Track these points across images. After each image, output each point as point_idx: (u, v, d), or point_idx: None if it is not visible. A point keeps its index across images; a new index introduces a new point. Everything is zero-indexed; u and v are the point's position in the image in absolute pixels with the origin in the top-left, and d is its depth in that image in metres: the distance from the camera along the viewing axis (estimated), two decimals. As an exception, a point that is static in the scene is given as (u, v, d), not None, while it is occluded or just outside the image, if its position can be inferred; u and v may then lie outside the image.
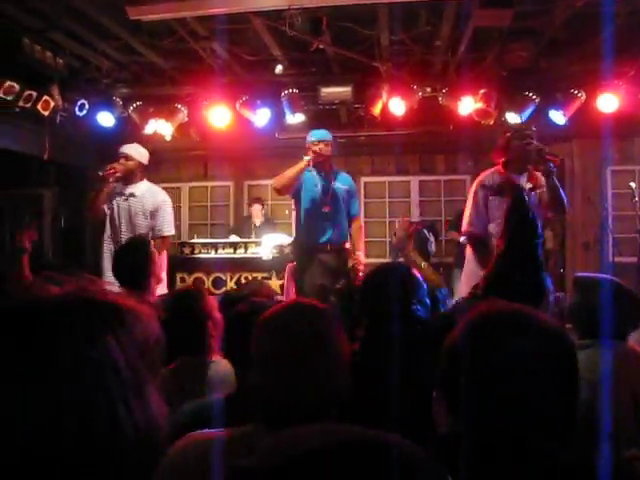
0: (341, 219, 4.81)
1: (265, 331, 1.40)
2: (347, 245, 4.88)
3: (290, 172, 4.68)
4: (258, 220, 7.64)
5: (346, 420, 1.49)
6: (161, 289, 4.15)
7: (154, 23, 4.78)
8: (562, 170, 7.61)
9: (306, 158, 4.61)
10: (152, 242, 3.92)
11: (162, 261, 4.08)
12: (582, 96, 5.73)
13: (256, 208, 7.69)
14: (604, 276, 2.60)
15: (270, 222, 7.69)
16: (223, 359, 2.30)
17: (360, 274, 4.53)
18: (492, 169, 4.12)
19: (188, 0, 4.33)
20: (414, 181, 8.45)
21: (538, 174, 4.04)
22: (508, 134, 4.07)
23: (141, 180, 4.68)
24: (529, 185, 4.03)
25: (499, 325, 1.03)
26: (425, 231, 6.79)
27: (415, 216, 8.13)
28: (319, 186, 4.75)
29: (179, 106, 6.20)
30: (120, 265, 3.30)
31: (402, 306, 2.10)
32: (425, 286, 2.24)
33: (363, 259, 4.82)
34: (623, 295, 2.39)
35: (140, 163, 4.65)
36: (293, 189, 4.77)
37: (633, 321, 2.45)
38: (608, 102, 5.68)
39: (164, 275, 4.23)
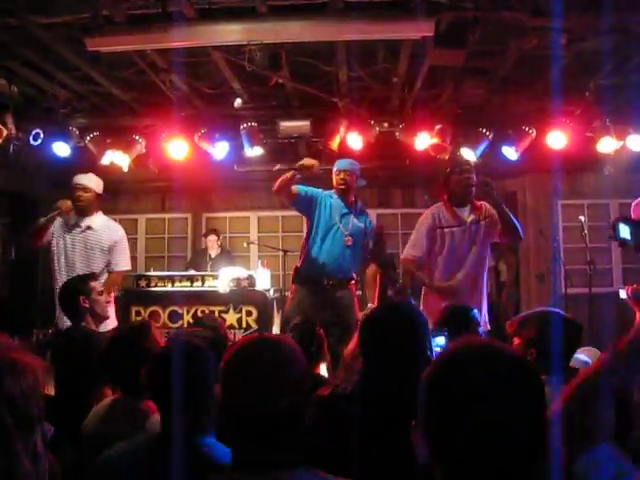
0: (353, 254, 4.56)
1: (231, 361, 1.45)
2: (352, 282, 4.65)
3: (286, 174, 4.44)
4: (213, 252, 7.59)
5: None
6: (112, 322, 4.08)
7: (113, 54, 4.77)
8: (515, 204, 7.83)
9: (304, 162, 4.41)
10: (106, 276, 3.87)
11: (109, 298, 3.96)
12: (533, 133, 5.93)
13: (211, 239, 7.65)
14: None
15: (226, 254, 7.65)
16: None
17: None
18: (439, 203, 4.31)
19: (147, 33, 4.33)
20: (372, 214, 8.48)
21: (482, 205, 4.18)
22: (447, 169, 4.27)
23: (97, 212, 4.62)
24: (472, 217, 4.16)
25: (469, 357, 1.06)
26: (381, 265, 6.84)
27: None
28: (338, 215, 4.57)
29: (137, 137, 6.16)
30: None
31: (411, 351, 1.90)
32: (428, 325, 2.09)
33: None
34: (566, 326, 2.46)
35: (96, 194, 4.59)
36: (295, 196, 4.50)
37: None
38: (557, 139, 5.89)
39: (112, 310, 4.13)
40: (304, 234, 4.81)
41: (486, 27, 4.21)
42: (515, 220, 4.11)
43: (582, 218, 6.63)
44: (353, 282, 4.67)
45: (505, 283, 8.16)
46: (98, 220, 4.59)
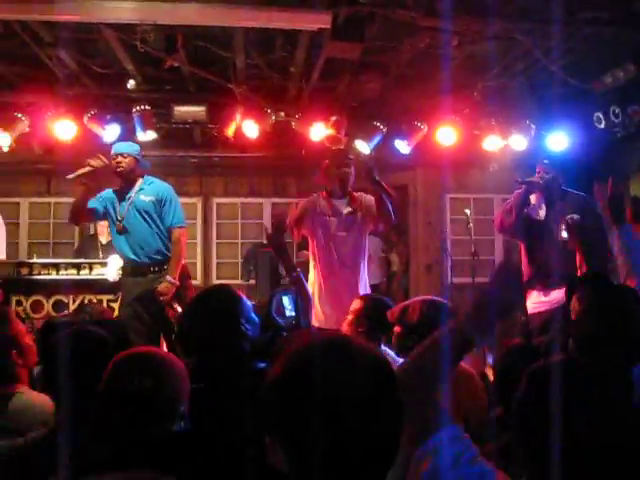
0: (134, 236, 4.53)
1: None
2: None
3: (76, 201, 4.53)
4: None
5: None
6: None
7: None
8: (406, 196, 8.10)
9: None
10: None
11: None
12: (424, 128, 6.14)
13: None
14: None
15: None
16: (33, 391, 2.16)
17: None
18: (317, 193, 4.39)
19: (29, 3, 4.06)
20: (267, 203, 8.55)
21: (359, 196, 4.24)
22: (326, 161, 4.33)
23: None
24: (349, 209, 4.23)
25: (315, 358, 0.98)
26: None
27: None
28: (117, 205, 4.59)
29: (19, 115, 5.77)
30: None
31: (229, 331, 2.07)
32: (250, 304, 2.22)
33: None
34: None
35: None
36: (89, 216, 4.62)
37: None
38: (446, 135, 6.14)
39: None
40: None
41: (382, 23, 4.31)
42: (390, 204, 4.12)
43: (468, 211, 6.96)
44: (158, 267, 4.53)
45: (396, 273, 8.43)
46: None
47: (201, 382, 1.87)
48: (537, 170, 4.32)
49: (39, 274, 5.79)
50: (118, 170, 4.50)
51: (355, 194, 4.26)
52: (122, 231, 4.51)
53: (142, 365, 1.59)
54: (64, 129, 5.77)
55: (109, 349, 1.89)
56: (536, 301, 4.19)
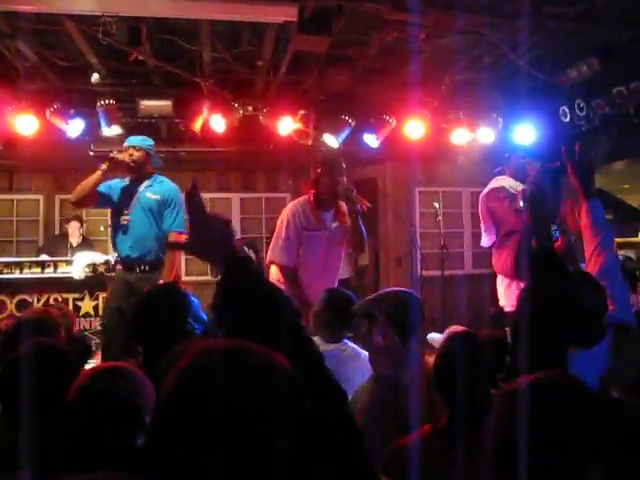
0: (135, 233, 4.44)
1: None
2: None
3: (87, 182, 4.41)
4: (75, 240, 7.11)
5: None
6: None
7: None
8: (375, 190, 8.11)
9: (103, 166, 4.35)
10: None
11: None
12: (393, 122, 6.15)
13: (73, 226, 7.15)
14: None
15: (88, 243, 7.18)
16: None
17: None
18: (302, 199, 4.21)
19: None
20: (235, 198, 8.49)
21: (345, 211, 4.17)
22: (319, 169, 4.19)
23: None
24: (335, 223, 4.17)
25: (207, 372, 0.87)
26: (245, 248, 6.83)
27: (236, 233, 8.15)
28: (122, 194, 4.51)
29: (-22, 110, 5.61)
30: None
31: (176, 329, 2.09)
32: (196, 302, 2.25)
33: None
34: None
35: None
36: (94, 199, 4.46)
37: None
38: (415, 129, 6.16)
39: None
40: None
41: (349, 16, 4.29)
42: (364, 234, 4.14)
43: (436, 205, 7.01)
44: (149, 266, 4.44)
45: (367, 267, 8.45)
46: None
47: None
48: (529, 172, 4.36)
49: (2, 273, 5.66)
50: (127, 163, 4.41)
51: (342, 208, 4.16)
52: (124, 225, 4.40)
53: (114, 375, 1.58)
54: (25, 124, 5.62)
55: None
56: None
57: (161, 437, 0.85)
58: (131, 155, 4.43)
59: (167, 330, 2.06)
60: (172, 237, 4.39)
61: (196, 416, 0.82)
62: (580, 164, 2.45)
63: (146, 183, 4.51)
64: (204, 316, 2.18)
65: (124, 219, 4.40)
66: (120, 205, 4.46)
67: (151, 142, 4.60)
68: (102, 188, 4.46)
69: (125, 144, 4.50)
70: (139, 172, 4.49)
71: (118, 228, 4.45)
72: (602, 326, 1.98)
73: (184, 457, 0.82)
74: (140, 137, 4.59)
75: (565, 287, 2.01)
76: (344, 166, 4.18)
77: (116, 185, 4.54)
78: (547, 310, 1.92)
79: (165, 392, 0.88)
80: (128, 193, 4.47)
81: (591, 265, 2.30)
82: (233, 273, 1.24)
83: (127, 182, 4.54)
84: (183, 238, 4.41)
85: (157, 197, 4.46)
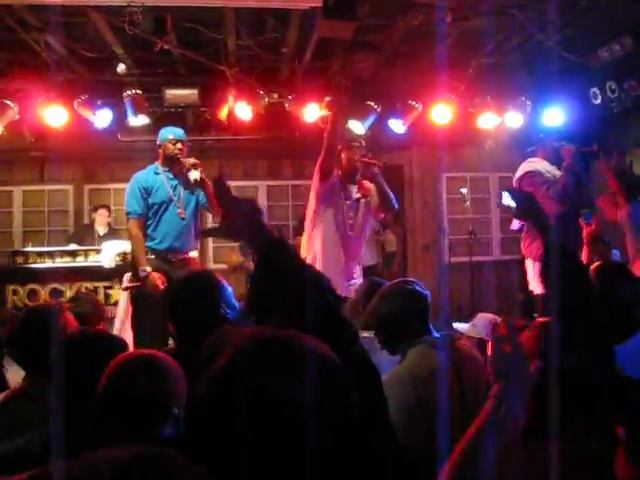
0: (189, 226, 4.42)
1: None
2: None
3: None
4: (102, 229, 7.18)
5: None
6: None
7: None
8: (401, 176, 8.06)
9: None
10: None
11: None
12: (419, 107, 6.08)
13: (101, 214, 7.22)
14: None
15: (114, 231, 7.23)
16: None
17: None
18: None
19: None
20: (262, 186, 8.50)
21: (366, 183, 4.38)
22: (339, 147, 4.36)
23: None
24: (358, 195, 4.38)
25: (255, 359, 0.87)
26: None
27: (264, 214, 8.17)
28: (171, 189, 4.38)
29: (8, 102, 5.69)
30: None
31: (210, 313, 2.11)
32: (230, 289, 2.27)
33: None
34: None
35: None
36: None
37: None
38: (442, 114, 6.08)
39: None
40: None
41: (374, 1, 4.24)
42: (389, 192, 4.34)
43: (463, 190, 6.94)
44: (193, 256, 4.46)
45: (395, 254, 8.41)
46: None
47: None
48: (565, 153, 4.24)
49: (34, 262, 5.77)
50: (178, 157, 4.32)
51: (364, 182, 4.38)
52: (180, 218, 4.33)
53: (142, 365, 1.60)
54: (55, 115, 5.70)
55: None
56: None
57: (209, 429, 0.86)
58: (180, 150, 4.34)
59: (202, 315, 2.09)
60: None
61: (247, 409, 0.83)
62: (622, 172, 2.45)
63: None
64: (236, 303, 2.21)
65: (181, 212, 4.32)
66: (166, 199, 4.34)
67: None
68: (140, 209, 4.33)
69: (171, 137, 4.37)
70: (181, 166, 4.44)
71: (168, 220, 4.34)
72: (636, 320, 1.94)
73: (234, 449, 0.82)
74: (182, 130, 4.50)
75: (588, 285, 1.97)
76: (362, 142, 4.43)
77: (150, 186, 4.35)
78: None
79: (213, 384, 0.87)
80: (174, 187, 4.37)
81: (636, 266, 2.29)
82: (269, 253, 1.25)
83: (165, 175, 4.39)
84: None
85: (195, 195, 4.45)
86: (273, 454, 0.82)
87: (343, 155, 4.31)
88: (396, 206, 4.45)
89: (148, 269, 4.12)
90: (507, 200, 4.56)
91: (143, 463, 0.71)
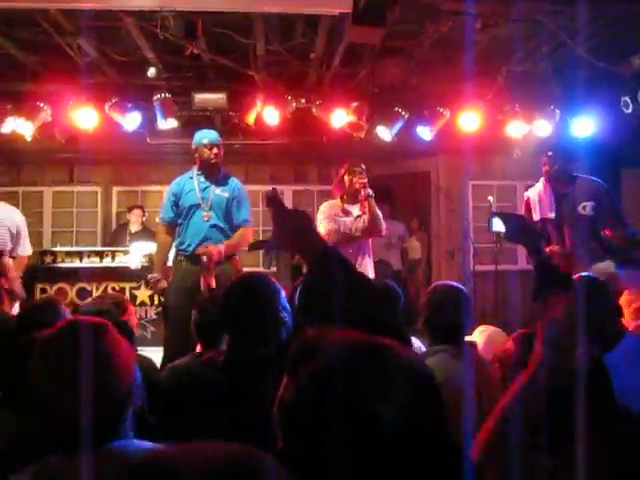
0: (218, 227, 4.40)
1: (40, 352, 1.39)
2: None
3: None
4: (134, 227, 7.29)
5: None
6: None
7: (12, 11, 4.45)
8: (428, 183, 8.03)
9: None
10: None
11: None
12: (447, 114, 6.05)
13: (136, 213, 7.35)
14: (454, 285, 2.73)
15: (147, 231, 7.32)
16: None
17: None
18: (333, 201, 4.68)
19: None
20: (288, 191, 8.52)
21: (366, 203, 4.51)
22: (342, 170, 4.61)
23: None
24: (359, 213, 4.53)
25: (349, 367, 0.85)
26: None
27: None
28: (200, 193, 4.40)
29: (41, 104, 5.81)
30: None
31: (270, 318, 2.06)
32: (283, 292, 2.20)
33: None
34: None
35: None
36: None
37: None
38: (469, 121, 6.04)
39: None
40: None
41: (404, 7, 4.24)
42: (379, 218, 4.47)
43: (491, 198, 6.87)
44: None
45: (420, 261, 8.38)
46: None
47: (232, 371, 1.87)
48: (543, 162, 4.26)
49: (63, 262, 5.86)
50: (214, 162, 4.35)
51: (364, 202, 4.51)
52: (205, 221, 4.33)
53: None
54: (86, 117, 5.80)
55: None
56: None
57: (297, 435, 0.85)
58: (216, 155, 4.35)
59: (266, 321, 2.03)
60: (243, 230, 4.43)
61: (344, 416, 0.82)
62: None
63: (218, 180, 4.43)
64: (289, 307, 2.14)
65: (206, 215, 4.32)
66: (195, 204, 4.36)
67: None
68: (167, 216, 4.44)
69: (207, 141, 4.37)
70: (217, 170, 4.43)
71: (195, 223, 4.36)
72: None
73: (325, 457, 0.82)
74: (217, 134, 4.50)
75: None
76: (363, 166, 4.58)
77: (182, 190, 4.41)
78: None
79: (309, 390, 0.86)
80: (202, 190, 4.38)
81: None
82: (321, 263, 1.26)
83: (196, 179, 4.41)
84: (251, 231, 4.63)
85: (227, 195, 4.39)
86: (368, 465, 0.81)
87: (346, 178, 4.53)
88: (382, 233, 4.58)
89: (157, 276, 4.34)
90: (497, 226, 4.53)
91: (250, 458, 0.74)
